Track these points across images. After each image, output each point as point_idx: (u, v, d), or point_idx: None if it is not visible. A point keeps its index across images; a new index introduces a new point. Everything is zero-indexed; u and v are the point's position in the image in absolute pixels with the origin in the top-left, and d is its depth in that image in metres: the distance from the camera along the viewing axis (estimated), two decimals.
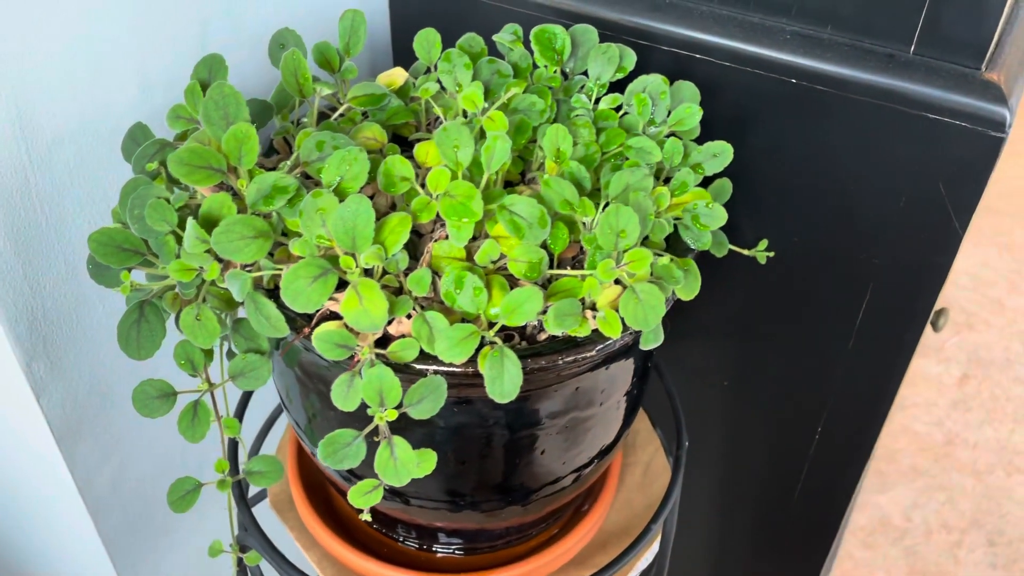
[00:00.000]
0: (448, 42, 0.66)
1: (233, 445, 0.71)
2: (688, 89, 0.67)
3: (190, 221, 0.50)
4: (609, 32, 0.72)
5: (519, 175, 0.62)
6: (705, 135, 0.72)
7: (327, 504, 0.71)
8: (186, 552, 0.88)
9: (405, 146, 0.66)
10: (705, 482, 0.96)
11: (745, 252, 0.73)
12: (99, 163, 0.65)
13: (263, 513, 0.76)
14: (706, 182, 0.68)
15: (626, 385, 0.60)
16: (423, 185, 0.52)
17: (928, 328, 0.97)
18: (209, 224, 0.51)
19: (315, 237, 0.49)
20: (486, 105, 0.58)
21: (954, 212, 0.65)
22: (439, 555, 0.69)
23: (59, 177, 0.63)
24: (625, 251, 0.51)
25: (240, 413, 0.75)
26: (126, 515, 0.79)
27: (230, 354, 0.60)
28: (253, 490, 0.74)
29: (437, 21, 0.79)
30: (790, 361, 0.81)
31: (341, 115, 0.63)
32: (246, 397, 0.77)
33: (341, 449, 0.48)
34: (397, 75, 0.67)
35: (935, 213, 0.66)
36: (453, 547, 0.68)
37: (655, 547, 0.73)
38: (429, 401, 0.48)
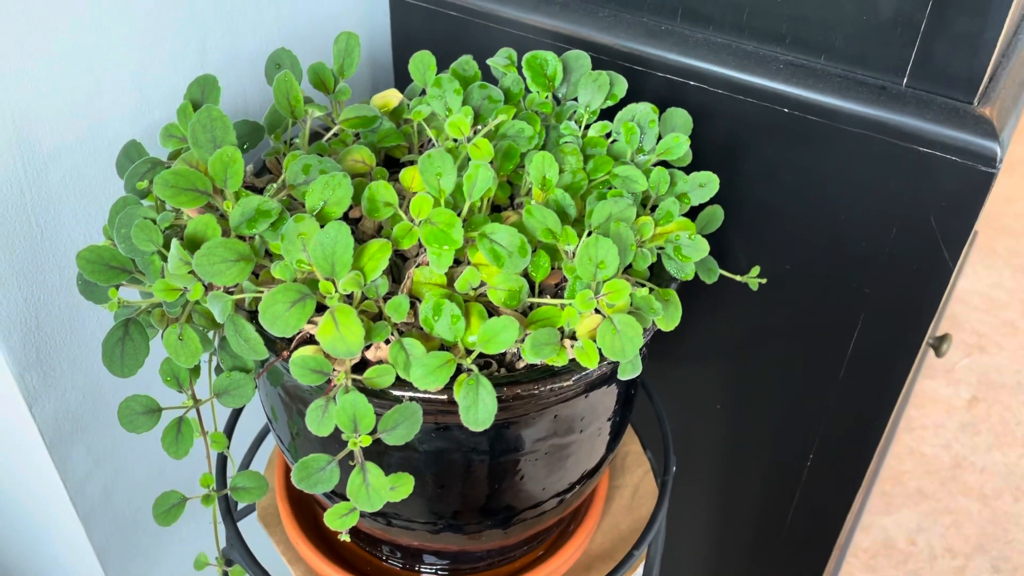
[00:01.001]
0: (450, 60, 0.67)
1: (222, 459, 0.71)
2: (680, 116, 0.67)
3: (174, 242, 0.51)
4: (604, 56, 0.72)
5: (508, 199, 0.62)
6: (698, 161, 0.72)
7: (314, 520, 0.72)
8: (177, 561, 0.89)
9: (397, 168, 0.67)
10: (698, 504, 0.96)
11: (737, 278, 0.73)
12: (96, 177, 0.66)
13: (251, 526, 0.77)
14: (699, 207, 0.68)
15: (608, 412, 0.60)
16: (407, 211, 0.52)
17: (939, 348, 0.97)
18: (194, 245, 0.51)
19: (295, 261, 0.49)
20: (474, 132, 0.58)
21: (944, 245, 0.65)
22: (423, 574, 0.69)
23: (55, 190, 0.64)
24: (604, 282, 0.51)
25: (231, 427, 0.75)
26: (117, 524, 0.80)
27: (218, 369, 0.60)
28: (242, 503, 0.75)
29: (438, 39, 0.80)
30: (781, 387, 0.81)
31: (333, 136, 0.64)
32: (237, 411, 0.78)
33: (315, 473, 0.49)
34: (392, 96, 0.67)
35: (926, 245, 0.66)
36: (437, 567, 0.68)
37: (639, 572, 0.73)
38: (404, 428, 0.49)
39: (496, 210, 0.63)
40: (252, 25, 0.74)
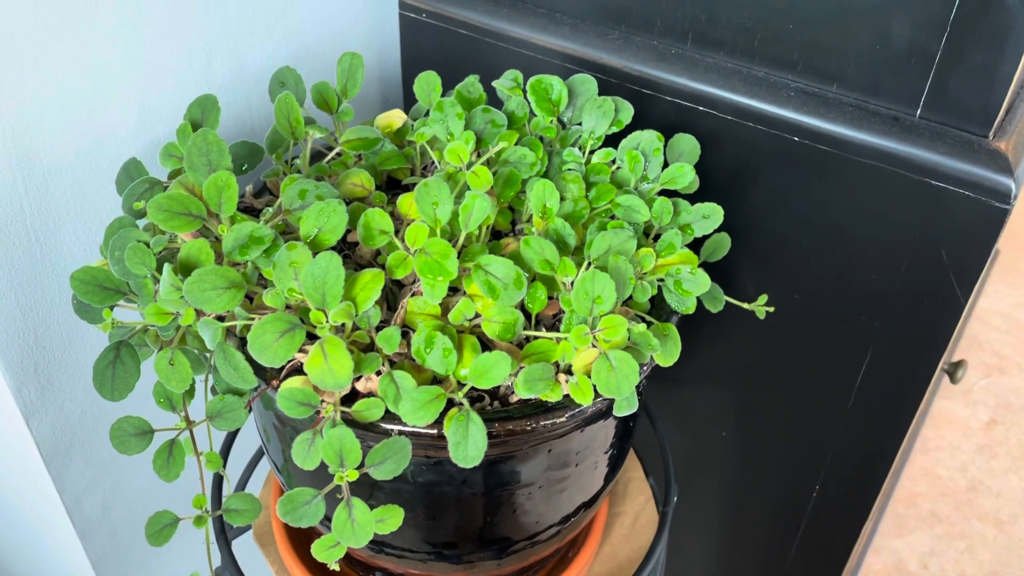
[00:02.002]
0: (459, 78, 0.66)
1: (218, 479, 0.71)
2: (687, 142, 0.66)
3: (166, 267, 0.50)
4: (613, 79, 0.71)
5: (509, 225, 0.61)
6: (706, 187, 0.71)
7: (308, 541, 0.71)
8: (174, 574, 0.89)
9: (399, 190, 0.66)
10: (702, 530, 0.95)
11: (744, 306, 0.71)
12: (97, 193, 0.66)
13: (246, 543, 0.76)
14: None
15: (605, 445, 0.59)
16: (404, 239, 0.52)
17: (954, 374, 0.95)
18: (187, 269, 0.51)
19: (287, 290, 0.49)
20: (477, 156, 0.57)
21: (956, 281, 0.64)
22: None
23: (55, 206, 0.64)
24: (601, 316, 0.50)
25: (227, 446, 0.75)
26: (115, 537, 0.80)
27: (213, 390, 0.60)
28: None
29: (448, 57, 0.79)
30: (788, 417, 0.79)
31: (336, 156, 0.63)
32: (234, 431, 0.77)
33: (300, 507, 0.48)
34: (395, 117, 0.66)
35: (937, 280, 0.65)
36: None
37: None
38: (392, 462, 0.48)
39: (497, 236, 0.62)
40: (259, 40, 0.73)
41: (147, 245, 0.52)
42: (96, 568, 0.79)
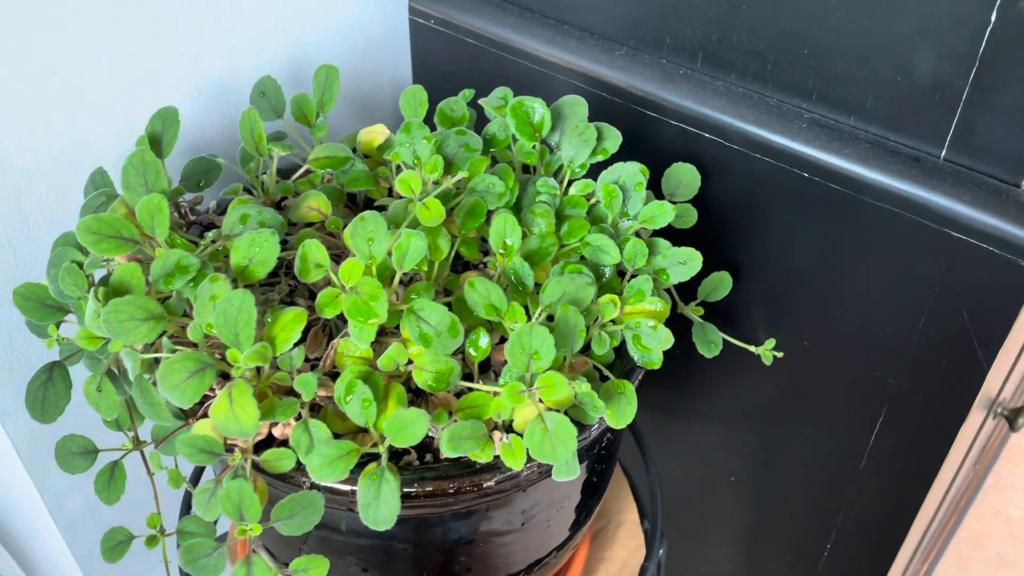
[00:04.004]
0: (467, 87, 0.62)
1: (187, 497, 0.69)
2: (687, 172, 0.61)
3: (91, 292, 0.48)
4: (617, 99, 0.66)
5: (480, 255, 0.57)
6: (710, 220, 0.65)
7: None
8: (162, 569, 0.88)
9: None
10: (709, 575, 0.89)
11: (752, 349, 0.66)
12: (75, 199, 0.65)
13: None
14: (716, 264, 0.61)
15: (559, 503, 0.55)
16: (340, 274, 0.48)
17: (1015, 421, 0.86)
18: (120, 293, 0.49)
19: (205, 325, 0.46)
20: (446, 182, 0.53)
21: (978, 343, 0.57)
22: None
23: (30, 213, 0.62)
24: (538, 374, 0.45)
25: (199, 469, 0.73)
26: (101, 533, 0.79)
27: None
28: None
29: (456, 66, 0.76)
30: (797, 469, 0.73)
31: (303, 175, 0.60)
32: None
33: (200, 559, 0.45)
34: (378, 133, 0.63)
35: (958, 340, 0.58)
36: None
37: None
38: (302, 518, 0.45)
39: (468, 268, 0.59)
40: (253, 47, 0.70)
41: (80, 266, 0.50)
42: (81, 564, 0.79)
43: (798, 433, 0.71)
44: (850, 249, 0.60)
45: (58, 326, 0.55)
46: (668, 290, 0.63)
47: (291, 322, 0.46)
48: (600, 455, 0.56)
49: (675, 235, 0.64)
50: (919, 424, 0.63)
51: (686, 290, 0.63)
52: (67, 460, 0.56)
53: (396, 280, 0.48)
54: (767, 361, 0.65)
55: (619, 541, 0.74)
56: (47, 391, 0.52)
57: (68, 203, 0.64)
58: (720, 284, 0.63)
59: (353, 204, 0.64)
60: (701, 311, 0.64)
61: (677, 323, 0.63)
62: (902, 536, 0.71)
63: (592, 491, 0.58)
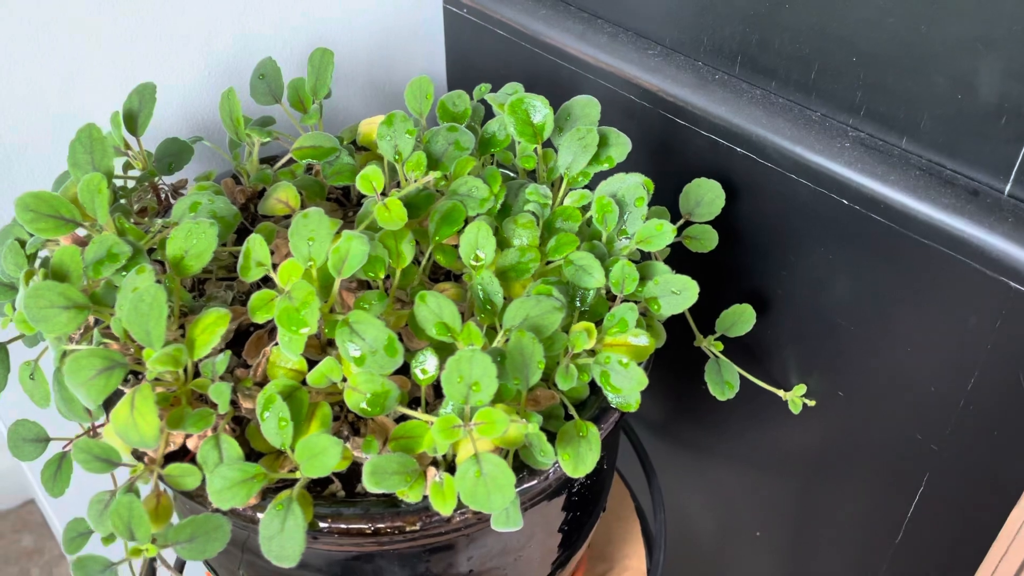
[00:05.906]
0: (498, 80, 0.58)
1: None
2: (710, 189, 0.54)
3: (22, 274, 0.45)
4: (646, 103, 0.59)
5: (460, 263, 0.51)
6: (737, 245, 0.58)
7: None
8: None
9: (355, 208, 0.58)
10: None
11: (780, 394, 0.58)
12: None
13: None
14: (739, 295, 0.55)
15: (515, 553, 0.48)
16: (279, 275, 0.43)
17: None
18: (60, 277, 0.45)
19: (124, 320, 0.42)
20: (428, 180, 0.48)
21: None
22: None
23: (21, 187, 0.61)
24: (477, 408, 0.40)
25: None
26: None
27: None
28: None
29: (487, 57, 0.71)
30: (826, 532, 0.65)
31: (285, 165, 0.56)
32: None
33: (93, 574, 0.41)
34: (378, 124, 0.58)
35: (1013, 407, 0.49)
36: None
37: None
38: (203, 542, 0.40)
39: (448, 278, 0.53)
40: (268, 21, 0.67)
41: (23, 245, 0.47)
42: None
43: (826, 493, 0.63)
44: (892, 291, 0.52)
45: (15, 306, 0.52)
46: (685, 320, 0.57)
47: (212, 324, 0.41)
48: (573, 501, 0.50)
49: (693, 260, 0.57)
50: (963, 501, 0.54)
51: (708, 321, 0.56)
52: (18, 447, 0.53)
53: (336, 287, 0.43)
54: (794, 409, 0.58)
55: None
56: None
57: (59, 173, 0.62)
58: (742, 317, 0.56)
59: (347, 200, 0.59)
60: (720, 346, 0.57)
61: (697, 357, 0.57)
62: None
63: (567, 541, 0.51)
